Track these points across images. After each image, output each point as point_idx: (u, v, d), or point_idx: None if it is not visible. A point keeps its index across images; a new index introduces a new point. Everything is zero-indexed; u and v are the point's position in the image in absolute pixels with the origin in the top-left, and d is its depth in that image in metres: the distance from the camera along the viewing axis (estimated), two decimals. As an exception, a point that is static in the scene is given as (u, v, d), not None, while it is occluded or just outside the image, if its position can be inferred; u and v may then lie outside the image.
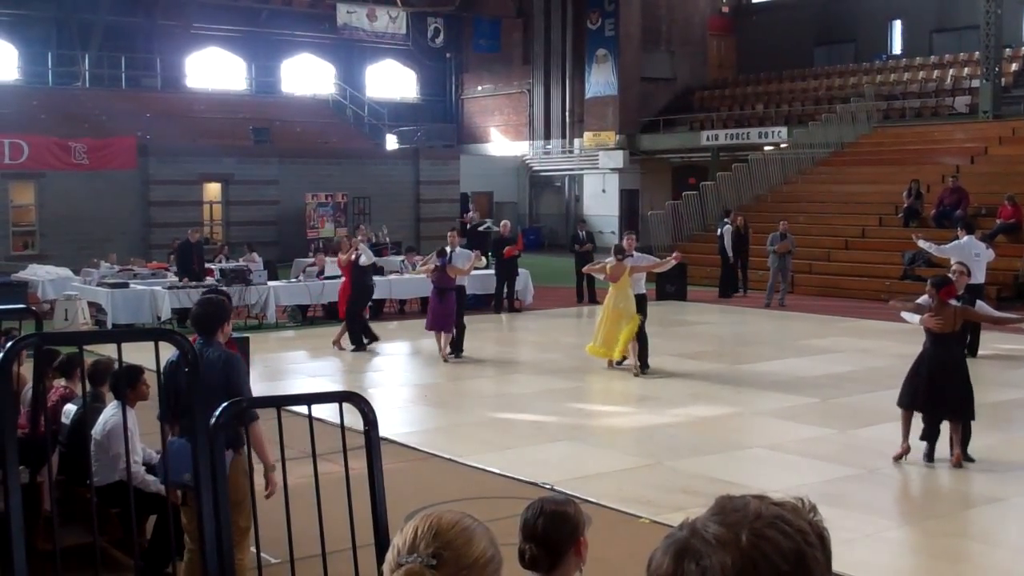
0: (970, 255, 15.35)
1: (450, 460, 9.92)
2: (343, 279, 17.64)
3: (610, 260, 14.67)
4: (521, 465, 9.58)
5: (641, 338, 14.41)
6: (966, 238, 16.24)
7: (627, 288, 14.35)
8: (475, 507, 7.91)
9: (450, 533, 1.98)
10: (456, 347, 15.83)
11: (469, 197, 38.77)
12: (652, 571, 1.43)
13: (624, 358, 14.60)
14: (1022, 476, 9.64)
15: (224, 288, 18.67)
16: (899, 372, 14.67)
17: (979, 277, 15.21)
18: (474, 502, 8.17)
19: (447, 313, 15.60)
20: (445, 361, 15.42)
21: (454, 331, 15.87)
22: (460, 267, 16.04)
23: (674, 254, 16.34)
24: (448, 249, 16.11)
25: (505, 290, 21.44)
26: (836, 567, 5.47)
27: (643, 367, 14.38)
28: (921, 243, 18.01)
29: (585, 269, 16.79)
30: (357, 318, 16.94)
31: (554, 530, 3.23)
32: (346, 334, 16.89)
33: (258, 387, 11.80)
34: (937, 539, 7.93)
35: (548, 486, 8.70)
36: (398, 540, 1.99)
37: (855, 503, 8.66)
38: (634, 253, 14.89)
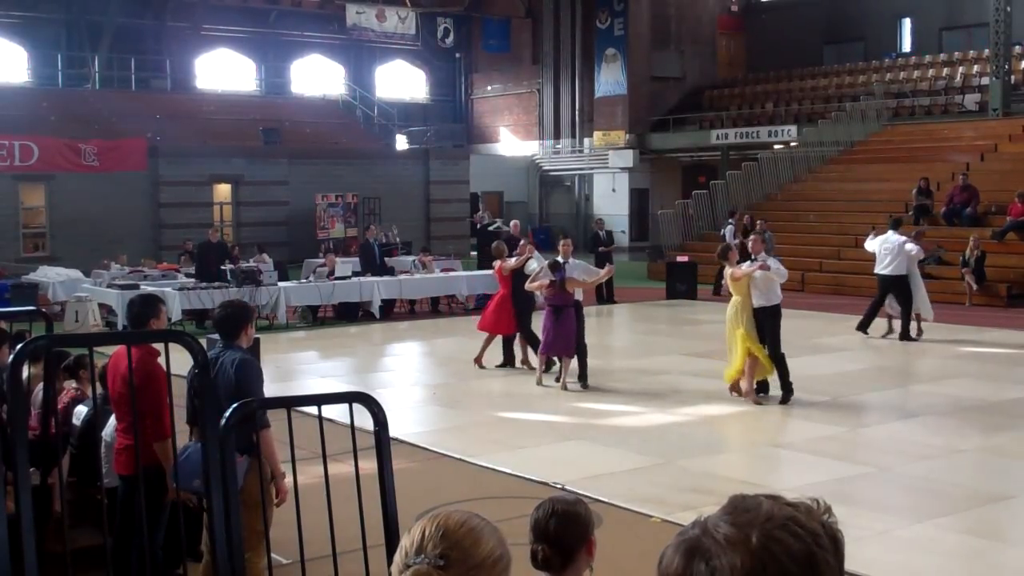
0: (880, 248, 17.26)
1: (460, 460, 9.92)
2: (499, 291, 15.31)
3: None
4: (532, 465, 9.57)
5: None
6: (888, 232, 17.56)
7: (746, 296, 12.29)
8: (485, 507, 7.91)
9: (458, 533, 1.97)
10: (582, 375, 13.54)
11: (479, 197, 38.77)
12: (663, 569, 1.42)
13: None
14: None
15: (236, 288, 18.77)
16: (909, 371, 14.69)
17: (900, 269, 16.84)
18: (484, 502, 8.17)
19: (567, 334, 13.36)
20: (564, 389, 13.22)
21: (574, 355, 13.59)
22: (581, 279, 13.84)
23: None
24: (561, 260, 13.66)
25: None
26: (848, 566, 5.44)
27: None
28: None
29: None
30: (525, 331, 14.87)
31: (565, 530, 3.25)
32: (528, 348, 14.94)
33: (269, 388, 11.81)
34: (948, 537, 7.90)
35: (559, 486, 8.69)
36: (405, 541, 1.99)
37: (866, 501, 8.64)
38: (762, 254, 12.67)
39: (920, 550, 7.57)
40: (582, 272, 14.04)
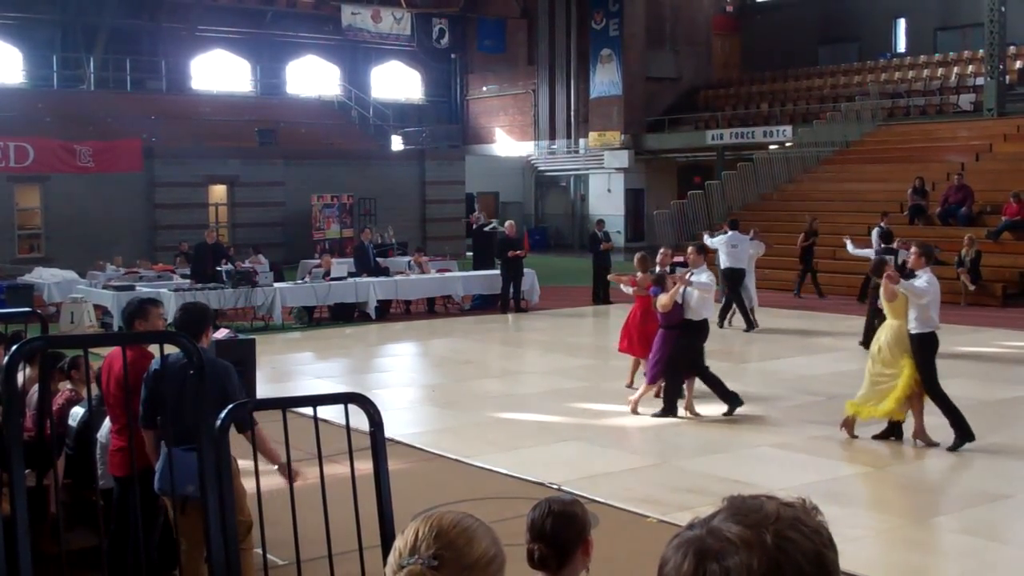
0: (728, 246, 18.57)
1: (457, 460, 9.92)
2: (634, 306, 13.20)
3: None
4: (528, 465, 9.58)
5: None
6: (730, 233, 18.95)
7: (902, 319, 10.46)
8: (482, 508, 7.91)
9: (451, 533, 1.97)
10: (733, 400, 11.76)
11: (474, 197, 38.78)
12: (669, 572, 1.40)
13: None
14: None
15: (232, 290, 18.76)
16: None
17: (740, 264, 18.43)
18: (481, 503, 8.17)
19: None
20: (696, 415, 11.69)
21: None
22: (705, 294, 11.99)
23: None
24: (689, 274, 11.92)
25: (511, 290, 21.43)
26: (846, 566, 5.42)
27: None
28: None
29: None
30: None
31: (562, 530, 3.26)
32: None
33: (264, 388, 11.84)
34: (945, 536, 7.92)
35: (555, 486, 8.69)
36: (399, 542, 1.99)
37: (863, 501, 8.66)
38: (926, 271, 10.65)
39: (917, 549, 7.59)
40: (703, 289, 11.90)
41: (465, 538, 1.98)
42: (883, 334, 10.40)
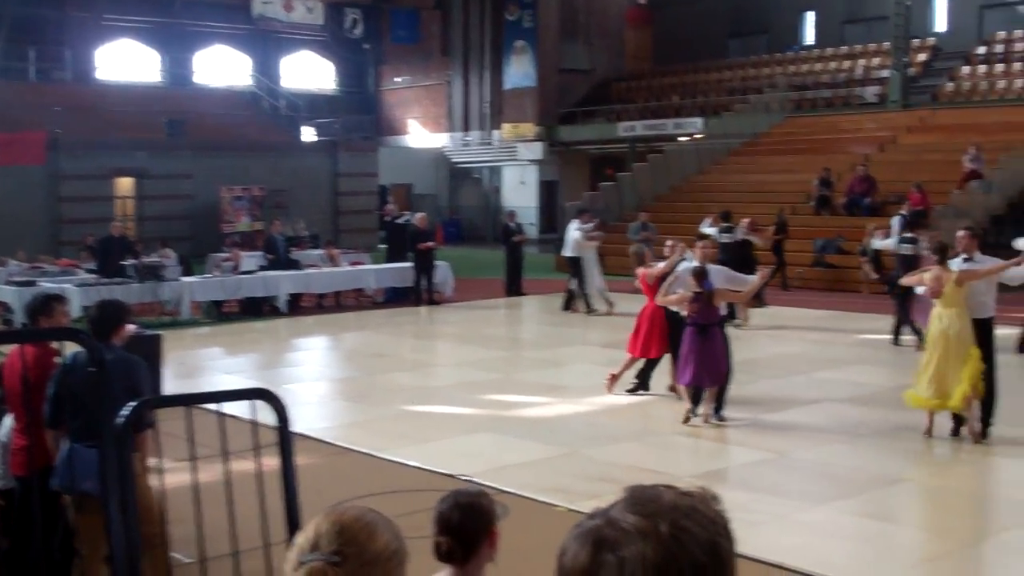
0: (570, 235, 20.39)
1: (368, 454, 9.90)
2: (647, 304, 12.19)
3: (933, 268, 10.27)
4: (439, 458, 9.61)
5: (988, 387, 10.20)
6: (575, 222, 20.73)
7: (963, 307, 10.00)
8: (392, 501, 7.93)
9: (353, 529, 1.96)
10: (719, 405, 11.03)
11: (387, 189, 38.63)
12: (567, 562, 1.41)
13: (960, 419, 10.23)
14: (926, 456, 9.91)
15: (139, 284, 18.45)
16: (811, 357, 15.02)
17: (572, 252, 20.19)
18: (391, 496, 8.18)
19: (716, 359, 10.82)
20: (706, 422, 10.85)
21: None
22: (736, 289, 11.61)
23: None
24: (700, 265, 11.24)
25: (424, 283, 21.41)
26: (749, 551, 5.55)
27: (983, 430, 10.19)
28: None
29: (904, 281, 11.14)
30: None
31: (468, 521, 3.31)
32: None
33: (172, 385, 11.67)
34: (845, 519, 8.12)
35: (466, 478, 8.74)
36: (300, 539, 1.97)
37: (766, 486, 8.84)
38: (977, 254, 10.37)
39: (818, 533, 7.77)
40: (727, 280, 11.46)
41: (367, 533, 1.96)
42: (949, 323, 9.89)
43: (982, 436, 10.01)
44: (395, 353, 16.35)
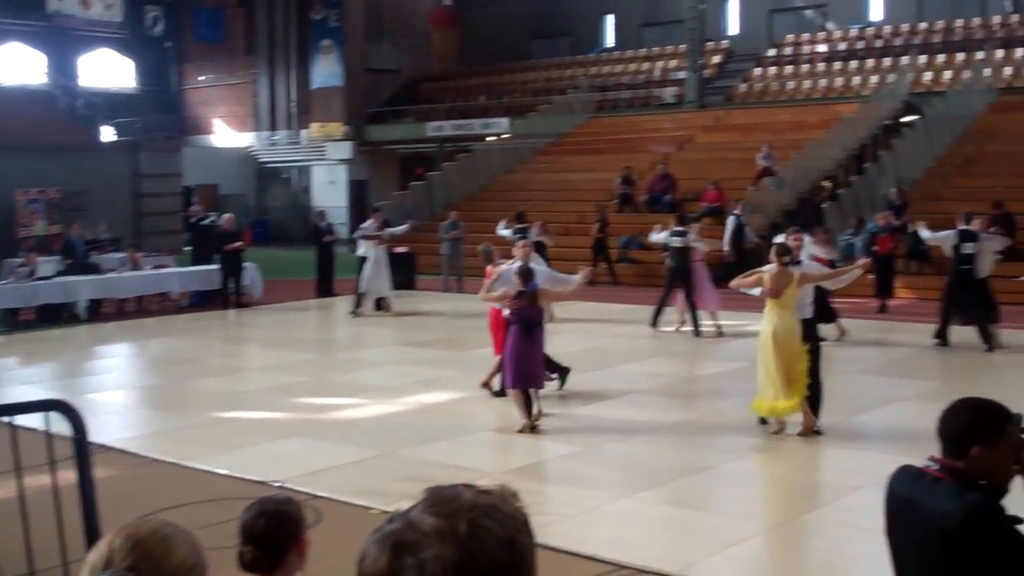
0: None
1: (175, 464, 9.64)
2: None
3: (769, 267, 10.45)
4: (250, 465, 9.45)
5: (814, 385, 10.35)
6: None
7: (793, 308, 10.28)
8: (201, 511, 7.78)
9: (149, 543, 1.88)
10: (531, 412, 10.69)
11: (192, 190, 37.64)
12: (366, 567, 1.42)
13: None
14: (729, 444, 10.32)
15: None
16: (617, 351, 15.42)
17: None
18: (200, 506, 8.02)
19: (537, 358, 10.74)
20: (533, 430, 10.52)
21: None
22: (560, 289, 11.71)
23: (860, 261, 12.71)
24: (525, 264, 11.12)
25: (231, 285, 20.97)
26: (559, 543, 5.71)
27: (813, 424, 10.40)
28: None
29: (734, 283, 10.90)
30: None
31: (275, 530, 3.23)
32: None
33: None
34: (652, 508, 8.37)
35: (277, 484, 8.62)
36: (92, 555, 1.89)
37: (575, 480, 9.04)
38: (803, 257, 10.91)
39: (626, 523, 7.99)
40: (551, 281, 11.56)
41: (163, 547, 1.90)
42: (783, 324, 10.08)
43: (812, 430, 10.25)
44: (202, 358, 15.97)
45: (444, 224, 23.38)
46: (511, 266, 11.38)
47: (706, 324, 16.45)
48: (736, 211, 22.48)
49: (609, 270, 24.13)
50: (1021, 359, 14.61)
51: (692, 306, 16.52)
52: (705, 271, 17.10)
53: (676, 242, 16.86)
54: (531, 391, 10.70)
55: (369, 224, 20.45)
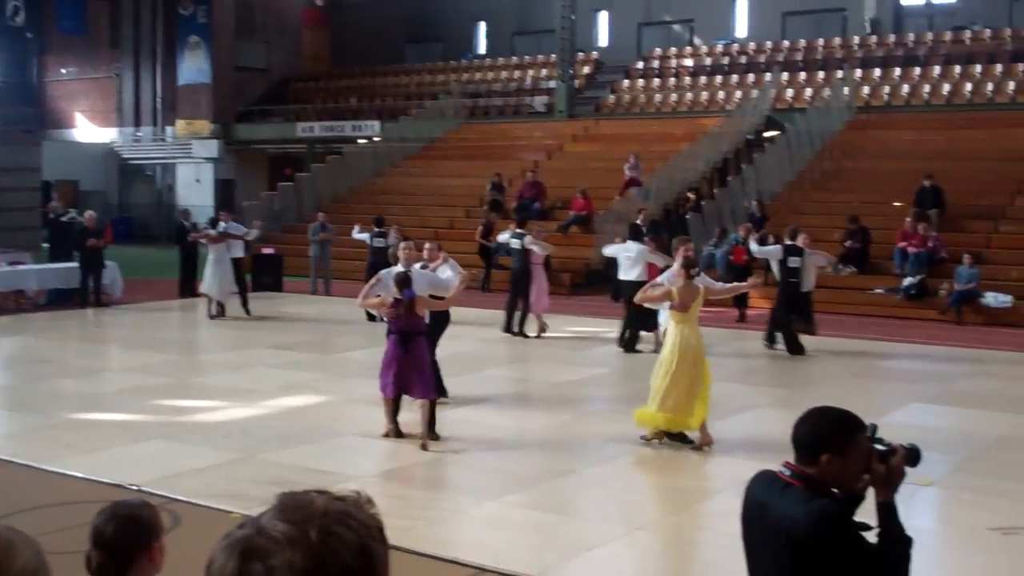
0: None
1: (27, 466, 9.38)
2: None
3: (671, 280, 10.54)
4: (107, 467, 9.25)
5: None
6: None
7: (696, 321, 10.34)
8: (53, 514, 7.61)
9: None
10: (432, 423, 10.39)
11: (52, 186, 36.50)
12: (214, 572, 1.40)
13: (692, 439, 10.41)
14: (590, 450, 10.51)
15: None
16: (481, 355, 15.54)
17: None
18: (52, 509, 7.84)
19: (422, 370, 10.30)
20: (424, 449, 10.07)
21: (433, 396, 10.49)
22: (439, 295, 11.14)
23: (751, 280, 13.29)
24: (403, 270, 10.63)
25: (91, 283, 20.44)
26: (424, 547, 5.77)
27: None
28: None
29: (640, 298, 10.91)
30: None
31: (125, 535, 3.14)
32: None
33: None
34: (516, 512, 8.46)
35: (134, 487, 8.47)
36: None
37: (441, 483, 9.13)
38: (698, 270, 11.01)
39: (489, 527, 8.07)
40: (431, 286, 11.05)
41: (3, 552, 1.83)
42: (690, 337, 10.13)
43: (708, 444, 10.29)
44: (59, 359, 15.53)
45: (312, 226, 23.20)
46: (390, 271, 10.94)
47: (533, 330, 16.92)
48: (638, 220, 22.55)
49: (487, 275, 24.28)
50: (875, 367, 15.25)
51: (525, 308, 16.90)
52: (543, 273, 17.59)
53: (515, 243, 17.23)
54: (390, 403, 10.37)
55: (216, 224, 20.16)
